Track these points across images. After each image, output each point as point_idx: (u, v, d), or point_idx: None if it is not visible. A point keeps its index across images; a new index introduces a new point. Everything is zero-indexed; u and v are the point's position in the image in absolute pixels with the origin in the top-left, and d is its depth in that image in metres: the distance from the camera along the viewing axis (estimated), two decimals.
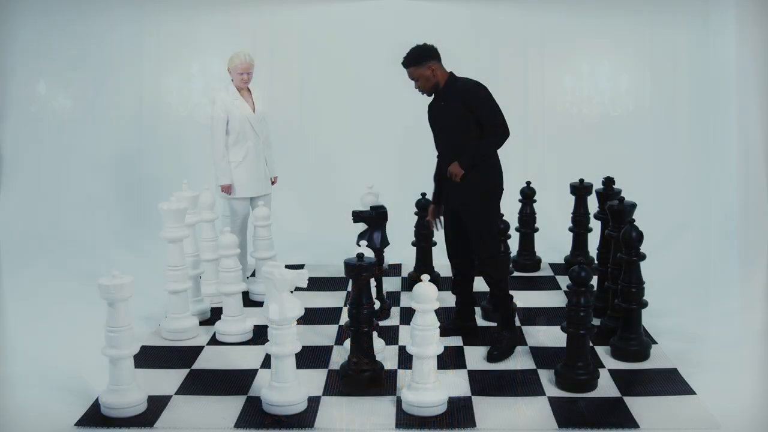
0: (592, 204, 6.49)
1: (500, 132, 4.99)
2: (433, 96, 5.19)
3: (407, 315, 5.60)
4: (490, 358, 5.09)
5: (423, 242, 6.58)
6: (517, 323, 5.54)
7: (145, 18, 8.50)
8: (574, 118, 8.41)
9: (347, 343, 5.02)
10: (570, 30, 8.39)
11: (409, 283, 6.44)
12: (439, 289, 4.44)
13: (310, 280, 6.49)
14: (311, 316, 5.83)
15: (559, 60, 8.40)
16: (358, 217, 5.77)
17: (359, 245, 5.20)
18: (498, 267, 5.19)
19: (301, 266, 6.81)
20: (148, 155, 8.49)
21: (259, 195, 6.37)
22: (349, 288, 6.36)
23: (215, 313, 5.84)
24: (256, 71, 6.25)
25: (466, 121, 5.00)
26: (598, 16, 8.41)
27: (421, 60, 5.06)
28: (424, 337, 4.34)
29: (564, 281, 6.39)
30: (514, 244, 6.28)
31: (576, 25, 8.43)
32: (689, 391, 4.64)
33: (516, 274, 6.60)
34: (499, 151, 5.14)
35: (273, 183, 6.54)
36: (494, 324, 5.66)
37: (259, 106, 6.32)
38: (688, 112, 8.37)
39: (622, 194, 5.83)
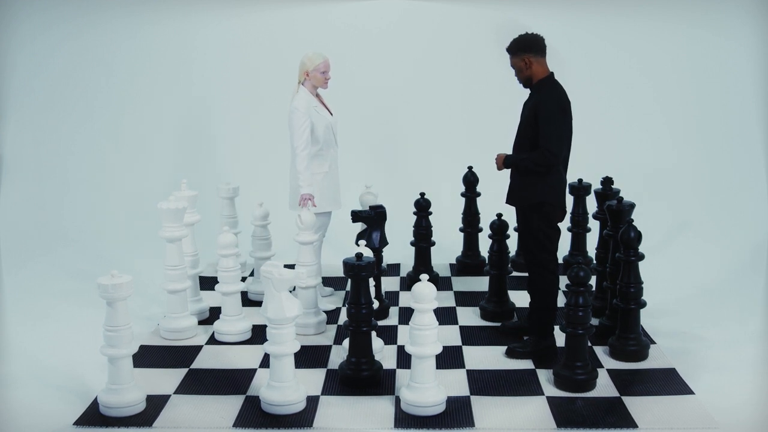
0: (591, 204, 6.50)
1: (544, 155, 4.82)
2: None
3: (406, 315, 5.61)
4: (509, 352, 5.14)
5: (422, 242, 6.57)
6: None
7: (144, 18, 8.49)
8: (573, 118, 8.41)
9: (346, 342, 5.02)
10: (569, 30, 8.38)
11: (408, 283, 6.44)
12: (437, 289, 4.44)
13: None
14: None
15: (558, 60, 8.38)
16: (357, 216, 5.77)
17: (358, 245, 5.21)
18: (535, 276, 5.10)
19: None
20: (148, 154, 8.49)
21: (338, 208, 6.01)
22: (348, 287, 6.37)
23: (214, 313, 5.85)
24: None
25: (532, 126, 4.93)
26: (597, 17, 8.41)
27: (516, 50, 5.02)
28: (423, 337, 4.34)
29: (563, 281, 6.39)
30: (513, 244, 6.27)
31: (575, 26, 8.42)
32: (687, 390, 4.65)
33: (515, 273, 6.59)
34: None
35: None
36: (493, 324, 5.70)
37: (333, 110, 5.93)
38: (686, 112, 8.37)
39: (621, 194, 5.84)
